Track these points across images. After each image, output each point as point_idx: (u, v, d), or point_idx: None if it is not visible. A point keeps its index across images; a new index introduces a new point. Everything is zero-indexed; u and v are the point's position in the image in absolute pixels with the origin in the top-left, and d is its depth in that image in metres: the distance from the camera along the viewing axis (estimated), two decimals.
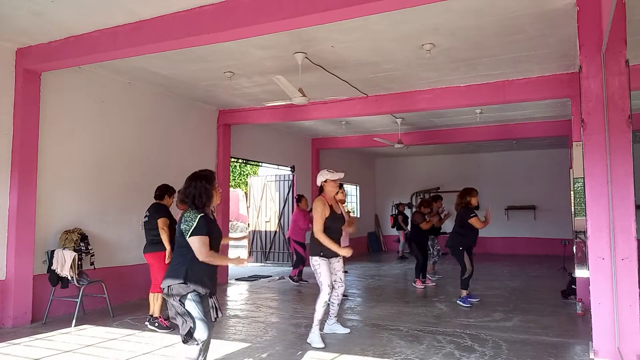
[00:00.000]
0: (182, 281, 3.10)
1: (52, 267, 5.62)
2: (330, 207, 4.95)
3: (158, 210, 5.38)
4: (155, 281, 5.24)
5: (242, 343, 4.78)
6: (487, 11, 4.63)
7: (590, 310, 3.66)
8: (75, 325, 5.39)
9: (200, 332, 3.11)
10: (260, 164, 11.77)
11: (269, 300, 7.21)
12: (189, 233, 3.10)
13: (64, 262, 5.59)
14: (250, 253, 12.15)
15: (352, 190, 15.28)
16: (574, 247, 5.89)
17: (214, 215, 3.38)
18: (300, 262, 8.81)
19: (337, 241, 4.95)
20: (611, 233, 3.53)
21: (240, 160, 10.50)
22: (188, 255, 3.15)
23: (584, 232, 4.79)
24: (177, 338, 4.95)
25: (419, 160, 15.82)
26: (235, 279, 9.21)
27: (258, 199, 12.47)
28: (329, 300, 4.88)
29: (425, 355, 4.38)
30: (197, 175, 3.27)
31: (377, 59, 6.04)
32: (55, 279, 5.63)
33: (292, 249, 9.04)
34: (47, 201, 5.87)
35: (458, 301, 6.64)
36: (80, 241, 5.95)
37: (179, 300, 3.12)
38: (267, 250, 12.09)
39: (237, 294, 7.77)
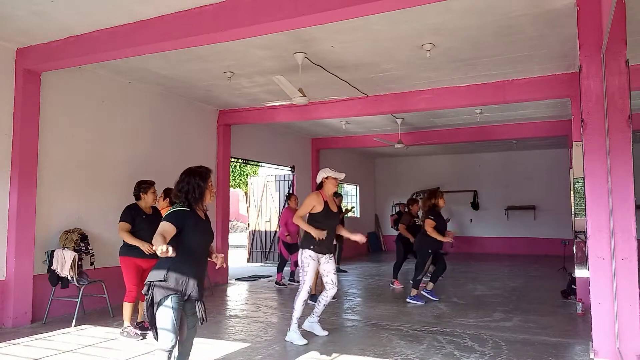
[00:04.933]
0: (161, 279, 2.98)
1: (52, 267, 5.62)
2: (326, 203, 4.96)
3: (122, 212, 5.05)
4: (127, 288, 5.00)
5: (242, 343, 4.78)
6: (487, 11, 4.63)
7: (590, 310, 3.66)
8: (75, 325, 5.39)
9: (163, 342, 2.97)
10: (260, 164, 11.77)
11: (269, 300, 7.21)
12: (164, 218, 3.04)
13: (64, 262, 5.58)
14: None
15: (352, 190, 15.30)
16: (574, 247, 5.89)
17: (206, 215, 3.27)
18: (284, 265, 8.47)
19: (331, 240, 4.98)
20: (611, 233, 3.53)
21: (240, 160, 10.50)
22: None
23: (584, 232, 4.79)
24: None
25: (419, 160, 15.83)
26: (235, 279, 9.21)
27: (258, 199, 12.48)
28: (308, 299, 4.94)
29: (425, 355, 4.38)
30: (191, 171, 3.18)
31: (377, 59, 6.04)
32: (55, 279, 5.63)
33: (279, 250, 8.65)
34: (47, 201, 5.87)
35: (408, 299, 6.80)
36: (80, 241, 5.95)
37: (154, 303, 2.99)
38: (267, 250, 12.09)
39: (237, 294, 7.77)
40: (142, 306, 5.15)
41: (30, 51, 5.54)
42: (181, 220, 3.02)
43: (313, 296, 6.69)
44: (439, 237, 6.62)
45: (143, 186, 5.14)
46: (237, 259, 12.74)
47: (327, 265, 4.97)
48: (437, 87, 7.33)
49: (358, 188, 15.35)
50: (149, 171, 7.13)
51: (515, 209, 14.44)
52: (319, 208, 4.92)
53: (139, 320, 5.17)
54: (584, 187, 3.75)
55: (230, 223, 9.33)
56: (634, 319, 3.39)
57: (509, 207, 14.52)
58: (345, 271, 10.39)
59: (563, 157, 11.66)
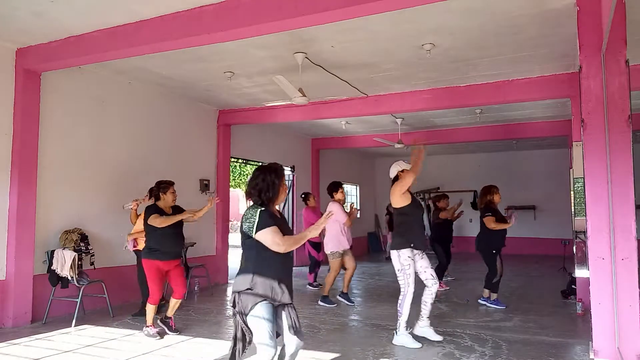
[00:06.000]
0: (247, 287, 2.79)
1: (52, 267, 5.62)
2: (411, 194, 4.89)
3: (145, 212, 5.02)
4: (149, 291, 5.03)
5: None
6: (487, 11, 4.63)
7: (590, 310, 3.66)
8: (75, 325, 5.39)
9: (263, 357, 2.73)
10: (260, 164, 11.76)
11: None
12: (254, 230, 2.80)
13: (64, 262, 5.58)
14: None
15: (352, 190, 15.29)
16: (574, 247, 5.89)
17: (280, 213, 3.13)
18: (316, 265, 8.42)
19: (424, 234, 4.97)
20: (611, 233, 3.53)
21: (240, 160, 10.50)
22: (253, 258, 2.86)
23: (584, 232, 4.79)
24: (176, 338, 4.97)
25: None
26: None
27: None
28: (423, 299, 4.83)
29: (425, 355, 4.38)
30: (266, 168, 3.01)
31: (377, 59, 6.04)
32: (55, 279, 5.63)
33: (307, 252, 8.52)
34: (47, 201, 5.87)
35: (480, 300, 6.52)
36: (80, 241, 5.95)
37: (242, 315, 2.79)
38: None
39: None
40: (173, 303, 5.11)
41: (30, 51, 5.54)
42: (273, 220, 2.87)
43: (325, 297, 6.68)
44: (506, 225, 6.32)
45: (162, 186, 5.08)
46: (237, 259, 12.71)
47: (422, 261, 4.83)
48: (437, 87, 7.33)
49: (358, 188, 15.35)
50: (148, 171, 7.15)
51: (515, 209, 14.40)
52: (407, 199, 4.82)
53: (167, 314, 5.15)
54: (584, 187, 3.75)
55: (230, 223, 9.30)
56: (634, 319, 3.39)
57: (508, 207, 14.49)
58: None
59: (563, 157, 11.65)
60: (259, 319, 2.77)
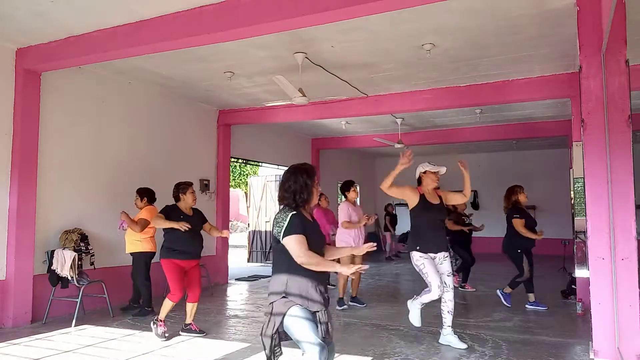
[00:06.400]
0: (282, 294, 2.67)
1: (52, 267, 5.62)
2: (423, 196, 4.76)
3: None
4: (171, 290, 4.86)
5: (242, 343, 4.78)
6: (487, 11, 4.63)
7: (590, 310, 3.66)
8: (75, 325, 5.39)
9: (313, 357, 2.58)
10: (260, 164, 11.77)
11: None
12: (282, 234, 2.68)
13: (64, 262, 5.58)
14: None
15: None
16: (574, 247, 5.88)
17: (312, 216, 2.96)
18: None
19: (438, 237, 4.73)
20: (611, 233, 3.53)
21: (240, 160, 10.51)
22: (286, 262, 2.71)
23: (584, 232, 4.79)
24: (177, 338, 4.96)
25: (419, 160, 15.73)
26: (235, 279, 9.21)
27: (258, 199, 12.48)
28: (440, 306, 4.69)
29: (425, 355, 4.38)
30: (298, 168, 2.84)
31: (377, 59, 6.04)
32: (55, 279, 5.63)
33: None
34: (47, 201, 5.86)
35: (498, 291, 6.52)
36: (80, 241, 5.95)
37: (275, 315, 2.67)
38: (267, 250, 12.09)
39: (237, 294, 7.77)
40: (189, 307, 5.05)
41: (30, 51, 5.54)
42: (304, 226, 2.72)
43: (341, 300, 6.59)
44: (533, 235, 6.21)
45: (181, 187, 5.00)
46: (237, 259, 12.73)
47: (441, 266, 4.66)
48: (437, 87, 7.33)
49: (358, 188, 15.32)
50: (148, 171, 7.15)
51: None
52: (414, 201, 4.74)
53: (187, 322, 5.09)
54: (584, 187, 3.75)
55: (230, 223, 9.30)
56: (634, 319, 3.39)
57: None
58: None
59: (563, 157, 11.65)
60: (297, 318, 2.65)
